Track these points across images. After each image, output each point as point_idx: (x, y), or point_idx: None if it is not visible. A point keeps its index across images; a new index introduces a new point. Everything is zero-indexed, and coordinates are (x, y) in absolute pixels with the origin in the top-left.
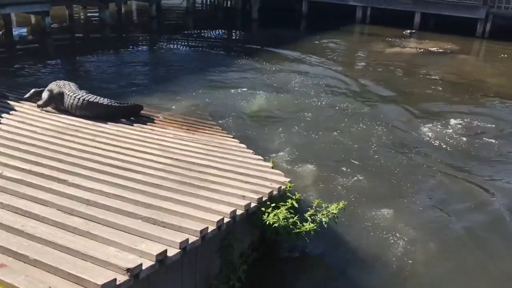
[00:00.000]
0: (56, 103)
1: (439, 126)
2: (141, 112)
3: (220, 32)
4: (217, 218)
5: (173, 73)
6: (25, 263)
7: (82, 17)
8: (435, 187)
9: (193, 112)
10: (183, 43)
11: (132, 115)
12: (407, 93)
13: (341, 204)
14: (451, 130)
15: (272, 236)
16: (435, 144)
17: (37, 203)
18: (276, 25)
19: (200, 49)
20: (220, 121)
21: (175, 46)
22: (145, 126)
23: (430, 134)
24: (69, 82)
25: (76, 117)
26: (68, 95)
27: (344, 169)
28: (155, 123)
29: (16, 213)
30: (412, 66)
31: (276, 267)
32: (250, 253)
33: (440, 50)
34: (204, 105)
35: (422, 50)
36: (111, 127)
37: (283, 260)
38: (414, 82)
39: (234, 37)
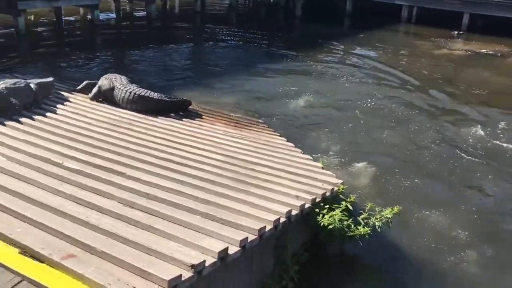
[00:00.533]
0: (107, 96)
1: (495, 129)
2: (189, 107)
3: (263, 28)
4: (273, 217)
5: (217, 69)
6: (92, 254)
7: (128, 10)
8: (494, 191)
9: (239, 109)
10: (226, 38)
11: (180, 110)
12: (459, 95)
13: (395, 209)
14: (507, 134)
15: (326, 238)
16: (492, 146)
17: (98, 194)
18: (319, 23)
19: (243, 44)
20: (265, 118)
21: (218, 41)
22: (194, 122)
23: (486, 136)
24: (120, 76)
25: (127, 110)
26: (119, 88)
27: (396, 170)
28: (203, 118)
29: (79, 203)
30: (462, 68)
31: (326, 269)
32: (302, 253)
33: (490, 52)
34: (249, 101)
35: (470, 52)
36: (162, 122)
37: (333, 262)
38: (465, 84)
39: (277, 33)
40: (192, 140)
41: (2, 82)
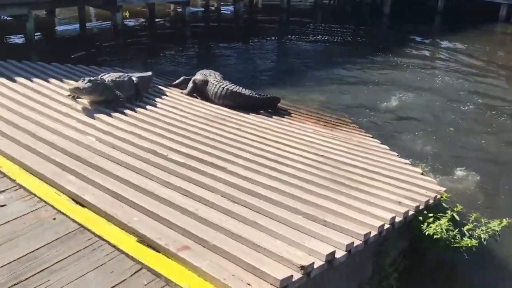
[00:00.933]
0: (201, 91)
1: None
2: (278, 105)
3: (349, 25)
4: (378, 223)
5: (302, 66)
6: (203, 247)
7: (215, 6)
8: None
9: (326, 107)
10: (311, 35)
11: (270, 107)
12: None
13: (504, 221)
14: None
15: (429, 247)
16: None
17: (202, 187)
18: (408, 21)
19: (329, 42)
20: (354, 118)
21: (303, 38)
22: (283, 119)
23: None
24: (214, 72)
25: (219, 105)
26: (213, 83)
27: (502, 179)
28: (292, 116)
29: (187, 196)
30: None
31: (426, 279)
32: (401, 260)
33: None
34: (336, 100)
35: None
36: (253, 118)
37: (433, 272)
38: None
39: (363, 32)
40: (284, 138)
41: (108, 75)
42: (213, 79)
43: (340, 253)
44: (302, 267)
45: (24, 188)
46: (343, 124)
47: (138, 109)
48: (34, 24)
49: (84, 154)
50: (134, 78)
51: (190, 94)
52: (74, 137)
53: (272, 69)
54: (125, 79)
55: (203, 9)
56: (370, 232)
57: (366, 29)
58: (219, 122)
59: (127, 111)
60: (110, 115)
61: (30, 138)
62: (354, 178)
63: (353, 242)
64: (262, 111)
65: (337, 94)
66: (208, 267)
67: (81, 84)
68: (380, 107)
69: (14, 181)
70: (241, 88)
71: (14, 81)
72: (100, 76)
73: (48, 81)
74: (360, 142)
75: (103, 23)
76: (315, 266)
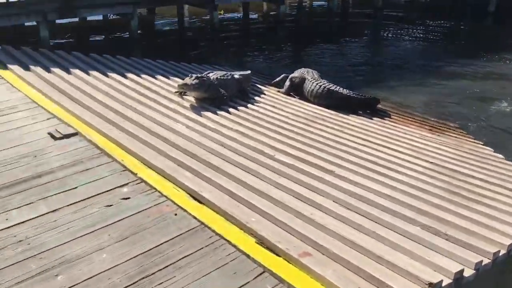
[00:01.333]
0: (297, 90)
1: None
2: (377, 106)
3: (448, 25)
4: (507, 241)
5: (399, 66)
6: (324, 255)
7: (306, 4)
8: None
9: (429, 111)
10: (406, 34)
11: (369, 108)
12: None
13: None
14: None
15: None
16: None
17: (313, 191)
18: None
19: (426, 42)
20: (460, 123)
21: (398, 36)
22: (385, 122)
23: None
24: (312, 70)
25: (316, 105)
26: (310, 81)
27: None
28: (393, 119)
29: (299, 199)
30: None
31: None
32: None
33: None
34: (439, 103)
35: None
36: (354, 120)
37: None
38: None
39: (465, 31)
40: (389, 142)
41: (213, 74)
42: (311, 77)
43: (468, 272)
44: (430, 284)
45: (145, 182)
46: (449, 129)
47: (240, 108)
48: (138, 21)
49: (196, 151)
50: (236, 77)
51: (287, 92)
52: (185, 133)
53: (367, 67)
54: (229, 77)
55: (296, 5)
56: (499, 251)
57: (467, 28)
58: (319, 123)
59: (231, 109)
60: (215, 113)
61: (146, 133)
62: (473, 190)
63: (481, 261)
64: (360, 112)
65: (438, 97)
66: (334, 276)
67: (188, 80)
68: (489, 111)
69: (135, 174)
70: (339, 87)
71: (125, 76)
72: (205, 73)
73: (155, 78)
74: (471, 150)
75: (197, 20)
76: (443, 284)
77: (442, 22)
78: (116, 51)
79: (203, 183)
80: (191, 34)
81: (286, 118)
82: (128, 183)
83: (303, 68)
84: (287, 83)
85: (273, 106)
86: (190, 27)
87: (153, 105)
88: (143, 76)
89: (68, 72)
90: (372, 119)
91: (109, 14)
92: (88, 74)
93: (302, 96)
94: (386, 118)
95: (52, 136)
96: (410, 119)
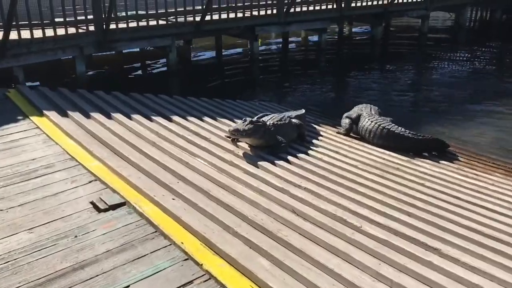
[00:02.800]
0: (355, 128)
1: None
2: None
3: (495, 45)
4: None
5: (451, 97)
6: None
7: (345, 33)
8: None
9: (503, 150)
10: (453, 62)
11: (434, 150)
12: None
13: None
14: None
15: None
16: None
17: (423, 283)
18: None
19: (475, 68)
20: None
21: (445, 64)
22: (465, 170)
23: None
24: (371, 106)
25: (373, 145)
26: (365, 118)
27: None
28: (470, 165)
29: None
30: None
31: None
32: None
33: None
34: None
35: None
36: (430, 168)
37: None
38: None
39: None
40: (485, 200)
41: (268, 117)
42: (367, 113)
43: None
44: None
45: (215, 279)
46: None
47: (300, 155)
48: (177, 53)
49: (268, 224)
50: (295, 121)
51: (347, 133)
52: (250, 197)
53: (416, 100)
54: (287, 121)
55: (337, 32)
56: None
57: None
58: (394, 173)
59: (290, 158)
60: (274, 164)
61: (205, 198)
62: None
63: None
64: (427, 156)
65: (506, 129)
66: None
67: (241, 126)
68: None
69: (201, 266)
70: (398, 126)
71: (170, 119)
72: (260, 116)
73: (202, 120)
74: None
75: (235, 51)
76: None
77: (489, 43)
78: (154, 85)
79: (287, 277)
80: (231, 66)
81: (355, 168)
82: (192, 281)
83: (362, 104)
84: (345, 121)
85: (337, 152)
86: (229, 58)
87: (207, 157)
88: (189, 118)
89: (109, 117)
90: (449, 166)
91: (146, 47)
92: (130, 118)
93: (359, 135)
94: (461, 164)
95: (96, 207)
96: (487, 163)
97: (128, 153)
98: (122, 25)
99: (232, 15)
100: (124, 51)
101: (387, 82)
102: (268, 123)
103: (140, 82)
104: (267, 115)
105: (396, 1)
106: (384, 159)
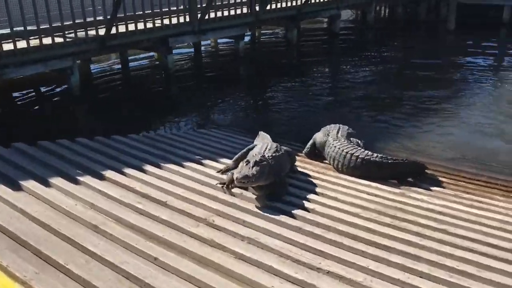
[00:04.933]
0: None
1: None
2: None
3: (411, 47)
4: None
5: (384, 103)
6: None
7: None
8: None
9: (472, 162)
10: (367, 65)
11: (412, 175)
12: None
13: None
14: None
15: None
16: None
17: None
18: (474, 35)
19: (391, 70)
20: None
21: (360, 69)
22: (464, 196)
23: None
24: (340, 126)
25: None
26: (332, 145)
27: None
28: (458, 186)
29: None
30: None
31: None
32: None
33: None
34: (474, 147)
35: None
36: (431, 200)
37: None
38: None
39: (432, 51)
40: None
41: (263, 150)
42: (333, 138)
43: None
44: None
45: None
46: None
47: (296, 201)
48: (79, 75)
49: None
50: (286, 148)
51: (308, 156)
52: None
53: (345, 107)
54: (282, 153)
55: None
56: None
57: (435, 48)
58: (402, 218)
59: (294, 210)
60: (281, 223)
61: None
62: None
63: None
64: (414, 182)
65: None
66: None
67: (248, 170)
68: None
69: None
70: (373, 154)
71: (103, 177)
72: (258, 152)
73: (144, 171)
74: None
75: (140, 64)
76: None
77: (405, 44)
78: (58, 121)
79: None
80: (142, 82)
81: (357, 217)
82: None
83: (332, 125)
84: (310, 143)
85: (323, 195)
86: (137, 73)
87: (168, 235)
88: (127, 171)
89: (15, 187)
90: (441, 193)
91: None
92: (47, 184)
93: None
94: (449, 187)
95: None
96: (476, 182)
97: (64, 257)
98: (7, 46)
99: (141, 26)
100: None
101: (309, 89)
102: (266, 156)
103: (38, 119)
104: (262, 147)
105: (309, 2)
106: (381, 196)
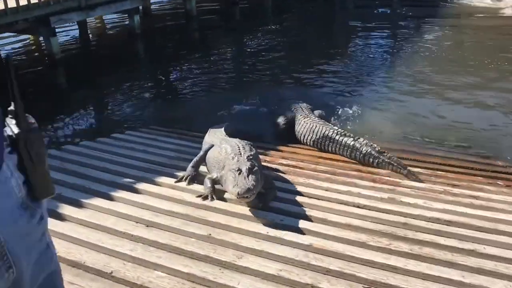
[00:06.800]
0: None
1: None
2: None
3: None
4: None
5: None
6: None
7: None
8: None
9: (429, 143)
10: (265, 39)
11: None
12: None
13: None
14: None
15: None
16: None
17: None
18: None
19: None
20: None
21: (259, 42)
22: (447, 195)
23: None
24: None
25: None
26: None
27: None
28: (438, 176)
29: None
30: None
31: None
32: None
33: None
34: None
35: None
36: (426, 205)
37: None
38: None
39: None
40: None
41: (237, 149)
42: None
43: None
44: None
45: None
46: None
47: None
48: None
49: None
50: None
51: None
52: None
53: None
54: (255, 150)
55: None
56: None
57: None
58: (411, 238)
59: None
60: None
61: None
62: None
63: None
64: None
65: (397, 114)
66: None
67: (247, 182)
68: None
69: None
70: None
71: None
72: (243, 156)
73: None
74: None
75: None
76: None
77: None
78: None
79: None
80: (23, 73)
81: (373, 249)
82: None
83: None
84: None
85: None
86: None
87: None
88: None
89: None
90: (423, 190)
91: None
92: None
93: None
94: (433, 180)
95: None
96: (458, 170)
97: None
98: None
99: (12, 3)
100: None
101: (219, 64)
102: (247, 158)
103: None
104: (238, 149)
105: None
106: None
